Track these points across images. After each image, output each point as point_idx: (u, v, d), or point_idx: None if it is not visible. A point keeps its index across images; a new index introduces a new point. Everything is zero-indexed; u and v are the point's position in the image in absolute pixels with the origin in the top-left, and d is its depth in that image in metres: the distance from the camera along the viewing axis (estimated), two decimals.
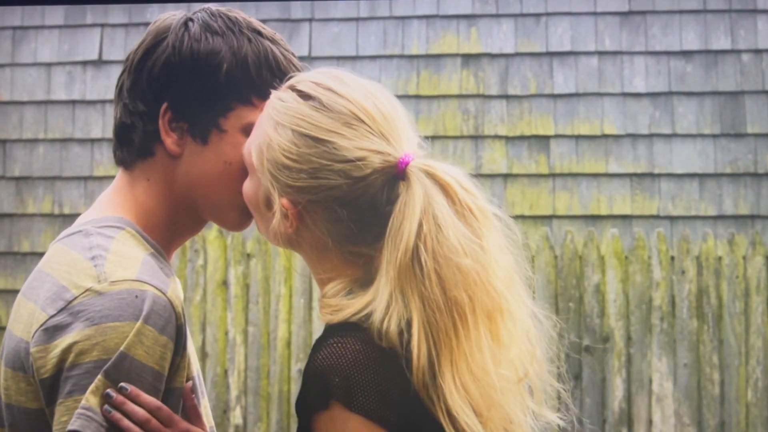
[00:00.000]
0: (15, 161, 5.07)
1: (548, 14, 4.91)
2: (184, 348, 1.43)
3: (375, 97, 1.48)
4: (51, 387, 1.35)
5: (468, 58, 4.93)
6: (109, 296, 1.35)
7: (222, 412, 4.67)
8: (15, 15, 5.12)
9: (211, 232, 4.74)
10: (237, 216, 1.56)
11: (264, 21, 5.26)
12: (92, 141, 4.99)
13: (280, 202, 1.44)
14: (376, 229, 1.43)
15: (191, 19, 1.53)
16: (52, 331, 1.35)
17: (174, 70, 1.50)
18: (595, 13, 4.90)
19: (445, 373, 1.37)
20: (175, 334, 1.40)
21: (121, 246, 1.44)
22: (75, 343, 1.33)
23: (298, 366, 4.64)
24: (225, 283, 4.73)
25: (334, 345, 1.35)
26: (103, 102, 4.99)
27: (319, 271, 1.49)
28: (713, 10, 4.85)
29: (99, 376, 1.32)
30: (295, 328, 4.66)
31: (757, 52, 4.82)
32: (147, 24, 4.95)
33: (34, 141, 5.07)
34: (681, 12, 4.86)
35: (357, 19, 4.97)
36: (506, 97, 4.88)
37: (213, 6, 1.56)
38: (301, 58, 5.04)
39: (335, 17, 4.98)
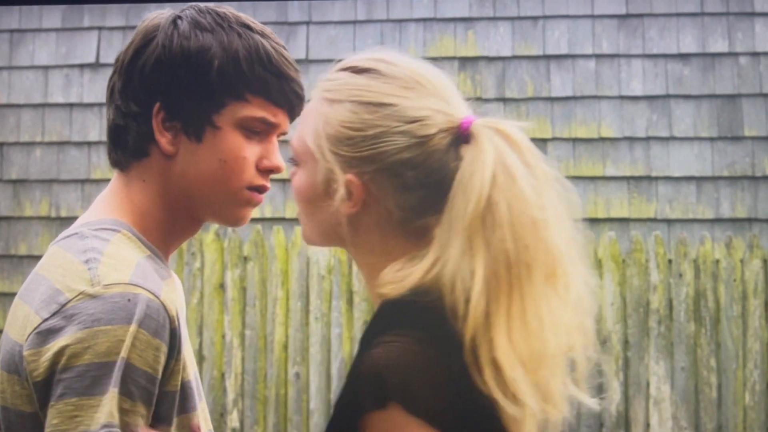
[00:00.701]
0: (12, 164, 5.07)
1: (545, 17, 4.92)
2: (179, 351, 1.42)
3: (427, 66, 1.47)
4: (44, 390, 1.34)
5: (465, 61, 4.93)
6: (102, 300, 1.35)
7: (219, 416, 4.66)
8: (12, 18, 5.12)
9: (208, 235, 4.74)
10: (235, 211, 1.55)
11: (261, 23, 5.27)
12: (89, 144, 4.99)
13: (345, 180, 1.41)
14: (443, 195, 1.39)
15: (180, 17, 1.52)
16: (45, 335, 1.35)
17: (165, 69, 1.49)
18: (592, 16, 4.90)
19: (500, 326, 1.34)
20: (169, 338, 1.39)
21: (116, 249, 1.43)
22: (67, 346, 1.33)
23: (294, 369, 4.63)
24: (222, 286, 4.73)
25: (392, 344, 1.31)
26: (101, 105, 4.99)
27: (378, 253, 1.44)
28: (710, 13, 4.85)
29: (111, 390, 1.32)
30: (292, 331, 4.66)
31: (755, 55, 4.82)
32: None
33: (31, 144, 5.07)
34: (678, 15, 4.87)
35: (354, 22, 4.97)
36: (503, 100, 4.89)
37: (201, 3, 1.55)
38: (299, 61, 5.06)
39: (332, 20, 4.98)
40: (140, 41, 1.52)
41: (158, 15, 1.54)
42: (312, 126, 1.45)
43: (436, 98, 1.43)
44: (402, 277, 1.39)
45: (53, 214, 4.98)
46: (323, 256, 4.66)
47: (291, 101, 1.54)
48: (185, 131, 1.50)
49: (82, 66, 5.08)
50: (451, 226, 1.36)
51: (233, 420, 4.66)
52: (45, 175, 5.04)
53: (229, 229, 4.76)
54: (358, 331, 4.58)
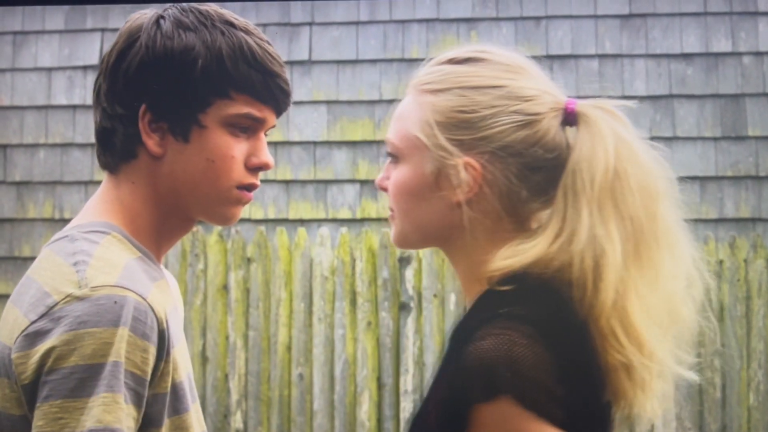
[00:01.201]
0: (16, 166, 5.08)
1: (548, 17, 4.91)
2: (168, 353, 1.42)
3: (522, 55, 1.52)
4: (31, 392, 1.34)
5: None
6: (89, 302, 1.34)
7: (223, 417, 4.66)
8: (15, 20, 5.12)
9: (212, 236, 4.75)
10: (225, 210, 1.54)
11: (264, 25, 5.28)
12: (93, 146, 4.97)
13: (463, 162, 1.43)
14: (555, 177, 1.43)
15: (162, 17, 1.51)
16: (33, 337, 1.35)
17: (149, 71, 1.49)
18: (595, 16, 4.90)
19: (633, 291, 1.38)
20: (158, 338, 1.39)
21: (105, 251, 1.43)
22: (53, 348, 1.33)
23: (298, 370, 4.63)
24: (225, 288, 4.73)
25: (503, 336, 1.31)
26: None
27: (482, 244, 1.45)
28: (714, 13, 4.85)
29: (103, 393, 1.32)
30: (296, 332, 4.66)
31: (758, 54, 4.81)
32: None
33: (35, 146, 5.07)
34: (681, 14, 4.86)
35: (357, 23, 4.97)
36: None
37: (187, 2, 1.55)
38: (301, 62, 5.04)
39: (335, 21, 4.98)
40: (124, 42, 1.51)
41: (141, 15, 1.54)
42: (415, 118, 1.47)
43: (539, 81, 1.49)
44: (523, 250, 1.41)
45: (57, 216, 4.99)
46: (326, 257, 4.66)
47: (276, 97, 1.54)
48: (172, 132, 1.50)
49: (85, 67, 5.08)
50: (576, 199, 1.40)
51: (237, 421, 4.66)
52: (48, 177, 5.04)
53: (233, 231, 4.76)
54: (361, 332, 4.59)
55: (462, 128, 1.44)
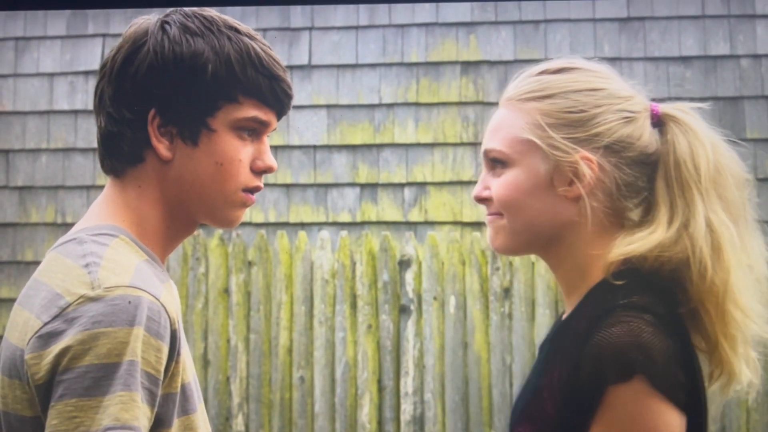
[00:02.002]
0: (18, 171, 5.10)
1: (547, 21, 4.93)
2: (178, 353, 1.44)
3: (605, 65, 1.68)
4: (45, 392, 1.36)
5: (467, 66, 4.95)
6: (103, 302, 1.36)
7: (224, 420, 4.68)
8: (17, 25, 5.14)
9: (213, 240, 4.76)
10: (230, 213, 1.57)
11: (264, 29, 5.30)
12: (94, 150, 4.99)
13: (580, 157, 1.54)
14: (650, 173, 1.57)
15: (167, 22, 1.54)
16: (46, 338, 1.36)
17: (159, 75, 1.51)
18: (593, 20, 4.92)
19: (738, 273, 1.52)
20: (170, 338, 1.41)
21: (114, 253, 1.45)
22: (68, 347, 1.34)
23: (299, 373, 4.65)
24: (226, 291, 4.75)
25: (631, 323, 1.43)
26: None
27: (588, 243, 1.56)
28: (712, 16, 4.86)
29: (120, 392, 1.33)
30: (297, 335, 4.67)
31: (756, 57, 4.83)
32: None
33: (37, 151, 5.09)
34: (680, 18, 4.88)
35: (356, 27, 4.99)
36: None
37: (191, 8, 1.58)
38: (301, 67, 5.04)
39: (335, 25, 5.00)
40: (130, 48, 1.53)
41: (145, 20, 1.56)
42: (523, 123, 1.58)
43: (626, 85, 1.63)
44: (641, 237, 1.53)
45: (59, 221, 5.01)
46: (327, 260, 4.68)
47: (281, 100, 1.58)
48: (181, 136, 1.52)
49: (87, 73, 5.10)
50: (684, 189, 1.54)
51: (238, 424, 4.67)
52: (51, 182, 5.06)
53: (234, 234, 4.78)
54: (361, 335, 4.60)
55: (574, 127, 1.56)
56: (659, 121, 1.60)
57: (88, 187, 5.03)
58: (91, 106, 5.04)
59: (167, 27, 1.53)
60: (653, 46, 4.88)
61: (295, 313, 4.69)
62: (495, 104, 5.19)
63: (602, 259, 1.54)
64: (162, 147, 1.52)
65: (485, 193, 1.62)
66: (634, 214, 1.58)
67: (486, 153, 1.63)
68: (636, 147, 1.57)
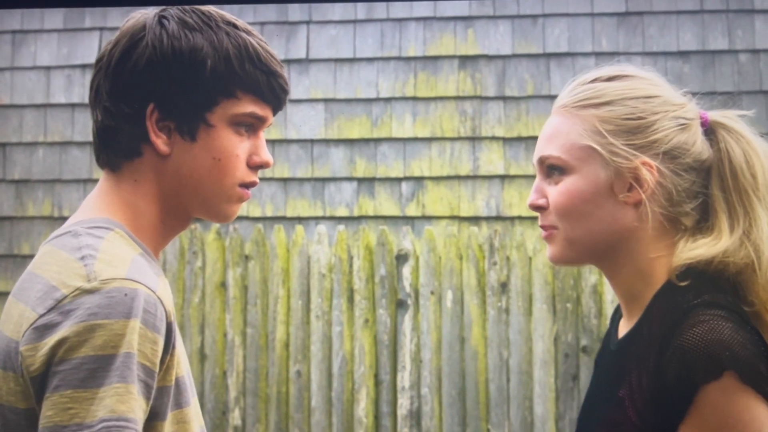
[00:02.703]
0: (15, 164, 5.09)
1: (545, 15, 4.92)
2: (173, 346, 1.44)
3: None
4: (40, 384, 1.36)
5: (465, 60, 4.94)
6: (99, 294, 1.36)
7: (221, 414, 4.68)
8: (14, 19, 5.14)
9: (210, 234, 4.76)
10: (226, 208, 1.58)
11: (262, 23, 5.28)
12: (91, 144, 5.00)
13: (641, 162, 1.56)
14: (703, 178, 1.61)
15: (165, 17, 1.54)
16: (42, 330, 1.36)
17: (157, 70, 1.51)
18: (592, 14, 4.91)
19: None
20: (166, 331, 1.41)
21: (110, 246, 1.45)
22: (64, 339, 1.34)
23: (296, 367, 4.65)
24: (223, 285, 4.75)
25: (711, 321, 1.46)
26: None
27: (647, 249, 1.59)
28: (710, 11, 4.86)
29: (116, 384, 1.33)
30: (294, 329, 4.67)
31: (755, 52, 4.82)
32: None
33: (34, 144, 5.09)
34: (678, 12, 4.87)
35: (354, 22, 4.99)
36: (503, 98, 4.90)
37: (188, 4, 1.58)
38: (299, 61, 5.03)
39: (332, 20, 5.00)
40: (127, 42, 1.53)
41: (142, 15, 1.56)
42: (581, 130, 1.60)
43: (676, 93, 1.65)
44: (704, 243, 1.56)
45: (56, 214, 5.00)
46: (324, 254, 4.68)
47: (278, 96, 1.58)
48: (179, 130, 1.52)
49: (84, 66, 5.10)
50: (743, 197, 1.58)
51: (235, 418, 4.67)
52: (47, 175, 5.06)
53: (231, 228, 4.77)
54: (358, 329, 4.60)
55: (634, 133, 1.58)
56: (709, 129, 1.63)
57: (85, 181, 5.02)
58: (87, 100, 5.05)
59: (165, 22, 1.53)
60: (651, 40, 4.88)
61: (292, 307, 4.69)
62: (493, 99, 5.20)
63: (664, 263, 1.57)
64: (160, 142, 1.52)
65: (541, 201, 1.64)
66: (689, 219, 1.60)
67: (542, 160, 1.63)
68: (691, 153, 1.59)
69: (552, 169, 1.62)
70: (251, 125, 1.57)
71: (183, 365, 1.51)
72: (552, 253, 1.64)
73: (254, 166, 1.58)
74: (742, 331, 1.46)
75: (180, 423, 1.49)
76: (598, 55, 4.87)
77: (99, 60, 1.56)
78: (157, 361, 1.39)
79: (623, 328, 1.66)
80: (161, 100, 1.51)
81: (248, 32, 1.56)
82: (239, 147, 1.55)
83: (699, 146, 1.60)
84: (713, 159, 1.61)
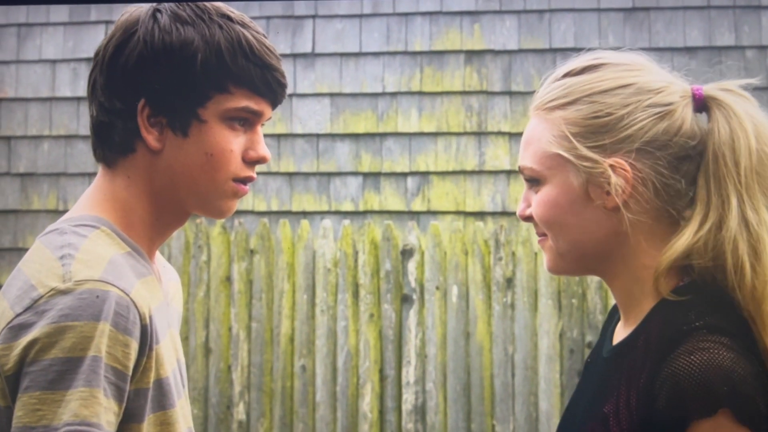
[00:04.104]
0: (20, 158, 5.09)
1: (551, 10, 4.92)
2: (150, 348, 1.42)
3: (635, 54, 1.55)
4: (14, 384, 1.35)
5: (471, 55, 4.94)
6: (72, 296, 1.35)
7: (225, 408, 4.68)
8: (20, 12, 5.13)
9: (215, 228, 4.76)
10: (222, 203, 1.55)
11: (268, 18, 5.27)
12: None
13: (611, 164, 1.44)
14: (696, 167, 1.45)
15: (159, 10, 1.52)
16: (17, 330, 1.36)
17: (148, 65, 1.49)
18: (598, 10, 4.90)
19: None
20: (140, 333, 1.39)
21: (92, 245, 1.44)
22: (36, 339, 1.34)
23: (301, 362, 4.65)
24: (228, 279, 4.75)
25: (711, 350, 1.33)
26: None
27: (650, 246, 1.46)
28: (717, 6, 4.85)
29: (81, 388, 1.32)
30: (298, 324, 4.67)
31: (761, 48, 4.81)
32: None
33: (39, 137, 5.09)
34: (685, 8, 4.87)
35: (360, 16, 4.98)
36: (509, 93, 4.89)
37: None
38: (305, 55, 5.02)
39: (339, 14, 4.99)
40: (120, 36, 1.51)
41: (137, 8, 1.54)
42: (549, 136, 1.47)
43: (660, 74, 1.50)
44: (671, 245, 1.42)
45: (61, 208, 5.00)
46: (329, 249, 4.67)
47: (274, 90, 1.55)
48: (171, 126, 1.50)
49: (89, 59, 5.08)
50: (720, 185, 1.42)
51: (240, 412, 4.68)
52: (53, 169, 5.06)
53: (236, 223, 4.78)
54: (363, 324, 4.60)
55: (601, 133, 1.45)
56: (704, 105, 1.47)
57: (90, 174, 5.02)
58: (86, 95, 5.05)
59: (158, 15, 1.51)
60: (658, 36, 4.87)
61: (297, 301, 4.69)
62: (499, 94, 5.21)
63: (654, 273, 1.45)
64: (151, 138, 1.50)
65: (528, 211, 1.54)
66: (687, 215, 1.46)
67: (520, 170, 1.54)
68: (674, 143, 1.45)
69: (530, 180, 1.53)
70: (247, 120, 1.54)
71: (168, 366, 1.49)
72: (547, 264, 1.55)
73: (250, 161, 1.55)
74: (744, 362, 1.34)
75: (163, 425, 1.47)
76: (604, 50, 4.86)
77: (96, 54, 1.55)
78: (130, 363, 1.38)
79: (619, 334, 1.55)
80: (152, 96, 1.49)
81: (243, 24, 1.53)
82: (233, 142, 1.52)
83: (686, 132, 1.45)
84: (705, 141, 1.45)
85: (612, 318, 1.66)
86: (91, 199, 1.54)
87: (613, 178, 1.43)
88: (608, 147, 1.44)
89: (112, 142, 1.53)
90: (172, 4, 1.52)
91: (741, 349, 1.35)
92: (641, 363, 1.40)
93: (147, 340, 1.41)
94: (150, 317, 1.42)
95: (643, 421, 1.37)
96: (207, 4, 1.53)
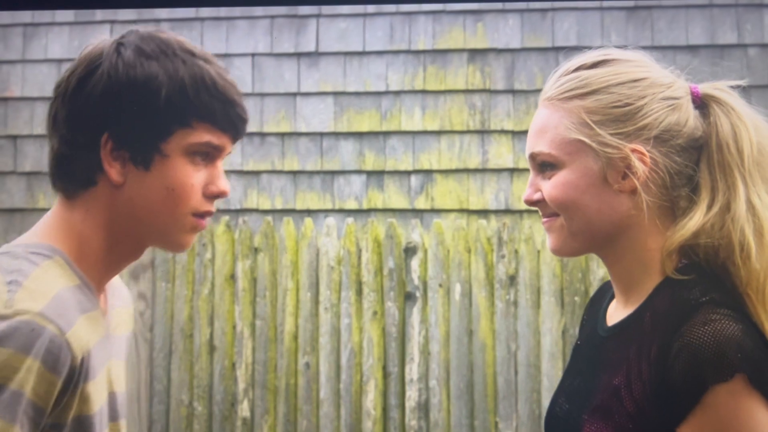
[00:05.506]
0: (26, 156, 5.11)
1: (554, 9, 4.93)
2: (76, 387, 1.42)
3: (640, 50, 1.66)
4: None
5: (474, 53, 4.95)
6: (8, 323, 1.35)
7: (230, 405, 4.70)
8: (25, 12, 5.15)
9: (219, 226, 4.78)
10: (180, 237, 1.56)
11: (272, 17, 5.28)
12: None
13: (631, 149, 1.54)
14: (697, 158, 1.56)
15: (122, 44, 1.52)
16: None
17: (112, 99, 1.49)
18: (601, 8, 4.91)
19: None
20: (67, 373, 1.39)
21: (42, 274, 1.44)
22: None
23: (305, 359, 4.67)
24: (233, 277, 4.77)
25: (721, 321, 1.42)
26: None
27: (657, 230, 1.56)
28: (719, 5, 4.85)
29: None
30: (302, 321, 4.69)
31: (764, 46, 4.82)
32: (156, 21, 4.99)
33: (45, 137, 5.09)
34: (687, 6, 4.87)
35: (364, 15, 4.99)
36: (512, 92, 4.90)
37: (142, 28, 1.56)
38: (309, 54, 5.04)
39: (342, 13, 5.01)
40: (84, 70, 1.51)
41: (100, 41, 1.54)
42: (568, 123, 1.57)
43: (664, 71, 1.61)
44: (683, 225, 1.52)
45: None
46: (332, 247, 4.69)
47: (236, 125, 1.56)
48: (133, 160, 1.51)
49: None
50: (725, 172, 1.53)
51: (244, 410, 4.69)
52: None
53: (240, 221, 4.79)
54: (367, 321, 4.62)
55: (622, 121, 1.55)
56: (701, 103, 1.59)
57: None
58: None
59: (122, 49, 1.51)
60: (660, 34, 4.88)
61: (301, 299, 4.70)
62: (502, 92, 5.20)
63: (660, 253, 1.54)
64: (114, 171, 1.51)
65: (536, 196, 1.61)
66: (684, 202, 1.57)
67: (533, 156, 1.61)
68: (683, 133, 1.56)
69: (544, 165, 1.60)
70: (208, 154, 1.54)
71: (94, 404, 1.49)
72: (553, 245, 1.62)
73: (211, 196, 1.56)
74: (752, 333, 1.43)
75: None
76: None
77: (57, 87, 1.55)
78: (51, 400, 1.38)
79: (617, 314, 1.63)
80: (116, 129, 1.49)
81: (206, 60, 1.54)
82: (194, 176, 1.53)
83: (692, 124, 1.57)
84: (706, 135, 1.57)
85: (598, 301, 1.75)
86: (48, 227, 1.55)
87: (636, 163, 1.53)
88: (628, 134, 1.54)
89: (73, 175, 1.53)
90: (135, 38, 1.53)
91: (746, 321, 1.44)
92: (650, 336, 1.48)
93: (74, 379, 1.41)
94: (84, 357, 1.43)
95: (657, 389, 1.45)
96: (171, 39, 1.53)
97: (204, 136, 1.52)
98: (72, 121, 1.51)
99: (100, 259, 1.54)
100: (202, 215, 1.56)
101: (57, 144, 1.53)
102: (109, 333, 1.58)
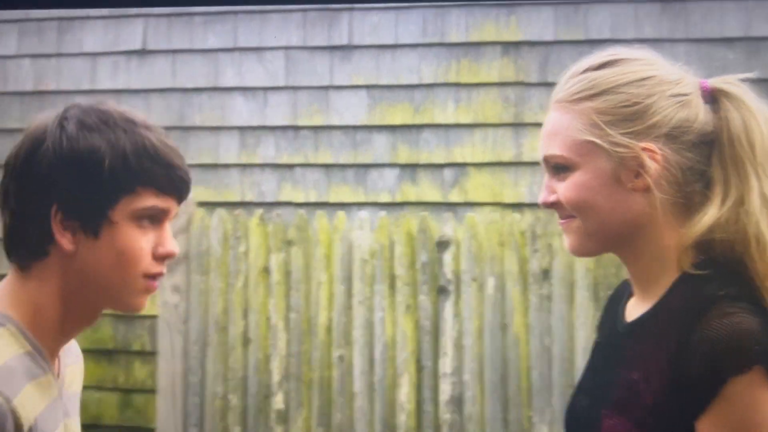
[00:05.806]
0: None
1: (588, 2, 4.90)
2: None
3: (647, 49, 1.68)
4: None
5: (508, 46, 4.94)
6: None
7: (264, 398, 4.72)
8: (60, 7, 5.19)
9: (253, 219, 4.80)
10: (133, 300, 1.60)
11: (304, 10, 5.28)
12: None
13: (643, 147, 1.55)
14: (708, 154, 1.57)
15: (65, 118, 1.57)
16: None
17: (57, 173, 1.54)
18: (634, 1, 4.89)
19: None
20: None
21: None
22: None
23: (338, 352, 4.68)
24: (266, 270, 4.79)
25: (739, 314, 1.45)
26: (147, 91, 5.06)
27: (672, 228, 1.57)
28: None
29: None
30: (336, 314, 4.70)
31: None
32: (189, 15, 5.01)
33: None
34: None
35: (397, 8, 4.99)
36: (546, 84, 4.88)
37: (84, 101, 1.61)
38: (341, 47, 5.05)
39: (375, 6, 5.01)
40: (30, 145, 1.56)
41: (44, 117, 1.59)
42: (579, 125, 1.58)
43: (672, 67, 1.63)
44: (698, 220, 1.54)
45: None
46: (365, 241, 4.70)
47: (179, 187, 1.61)
48: (83, 229, 1.55)
49: (128, 53, 5.14)
50: (738, 166, 1.55)
51: (278, 402, 4.72)
52: None
53: (274, 214, 4.81)
54: (400, 315, 4.62)
55: (632, 120, 1.56)
56: (711, 97, 1.61)
57: None
58: (133, 86, 5.11)
59: (65, 123, 1.56)
60: (695, 27, 4.84)
61: (334, 292, 4.72)
62: (536, 85, 5.18)
63: (676, 249, 1.56)
64: (65, 241, 1.55)
65: (552, 198, 1.63)
66: (697, 198, 1.58)
67: (546, 159, 1.63)
68: (693, 129, 1.57)
69: (558, 168, 1.61)
70: (154, 217, 1.59)
71: None
72: (571, 246, 1.63)
73: (160, 257, 1.60)
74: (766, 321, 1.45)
75: None
76: (641, 41, 4.82)
77: (7, 163, 1.60)
78: None
79: (635, 310, 1.64)
80: (64, 201, 1.54)
81: (147, 128, 1.58)
82: (143, 240, 1.57)
83: (702, 119, 1.58)
84: (717, 129, 1.59)
85: (616, 300, 1.76)
86: (2, 295, 1.59)
87: (648, 162, 1.54)
88: (638, 133, 1.56)
89: (26, 246, 1.57)
90: (77, 112, 1.57)
91: (763, 314, 1.45)
92: (668, 331, 1.50)
93: None
94: (32, 425, 1.47)
95: (676, 382, 1.46)
96: (112, 110, 1.58)
97: (149, 201, 1.57)
98: (22, 195, 1.56)
99: (54, 326, 1.59)
100: (154, 277, 1.61)
101: (9, 218, 1.59)
102: (62, 392, 1.63)
